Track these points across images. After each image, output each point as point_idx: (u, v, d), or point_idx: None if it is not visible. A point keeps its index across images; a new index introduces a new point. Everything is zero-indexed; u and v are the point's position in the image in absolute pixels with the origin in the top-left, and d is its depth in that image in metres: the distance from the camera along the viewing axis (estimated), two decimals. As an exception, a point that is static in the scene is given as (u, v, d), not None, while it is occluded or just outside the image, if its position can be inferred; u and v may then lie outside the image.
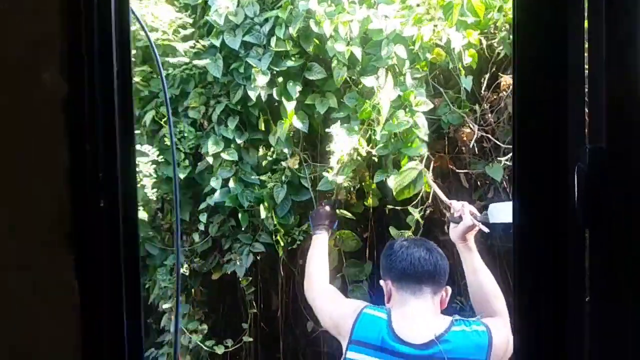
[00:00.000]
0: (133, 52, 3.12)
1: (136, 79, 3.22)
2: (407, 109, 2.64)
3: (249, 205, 3.04)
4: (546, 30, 1.02)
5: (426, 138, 2.68)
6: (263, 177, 3.00)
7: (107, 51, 1.08)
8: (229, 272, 3.09)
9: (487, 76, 2.94)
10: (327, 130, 2.78)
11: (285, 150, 2.97)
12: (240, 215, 3.08)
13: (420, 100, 2.65)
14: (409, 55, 2.66)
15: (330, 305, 2.48)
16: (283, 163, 2.99)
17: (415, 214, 2.82)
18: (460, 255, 2.42)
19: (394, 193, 2.73)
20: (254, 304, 3.18)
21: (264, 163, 3.05)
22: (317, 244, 2.73)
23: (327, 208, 2.82)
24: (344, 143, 2.60)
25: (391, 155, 2.73)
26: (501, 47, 2.90)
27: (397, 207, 2.79)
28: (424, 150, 2.72)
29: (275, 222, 2.96)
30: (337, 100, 2.83)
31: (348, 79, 2.79)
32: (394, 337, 2.18)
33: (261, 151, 3.08)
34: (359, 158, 2.69)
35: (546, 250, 1.02)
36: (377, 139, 2.66)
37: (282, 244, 2.99)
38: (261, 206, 2.98)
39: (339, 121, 2.76)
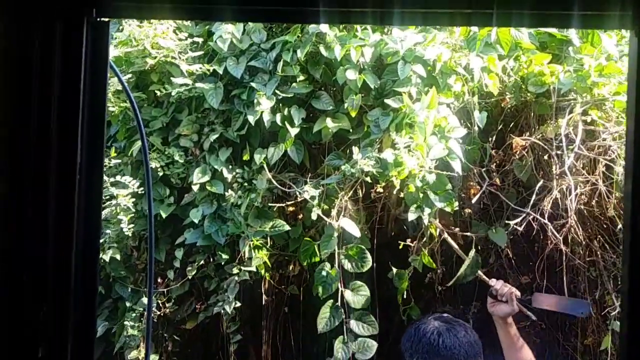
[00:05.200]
0: (128, 76, 3.02)
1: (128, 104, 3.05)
2: (440, 136, 2.46)
3: (227, 239, 2.79)
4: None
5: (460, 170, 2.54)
6: (228, 195, 2.73)
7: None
8: (212, 314, 2.76)
9: (494, 134, 2.83)
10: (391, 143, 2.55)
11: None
12: (218, 252, 2.83)
13: (453, 126, 2.48)
14: (429, 79, 2.52)
15: None
16: (255, 182, 2.75)
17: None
18: (499, 331, 2.37)
19: (453, 281, 2.65)
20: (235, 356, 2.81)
21: (234, 185, 2.79)
22: None
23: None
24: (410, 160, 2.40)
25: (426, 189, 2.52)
26: (508, 105, 2.82)
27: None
28: (455, 205, 2.58)
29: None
30: (351, 123, 2.69)
31: (363, 105, 2.64)
32: None
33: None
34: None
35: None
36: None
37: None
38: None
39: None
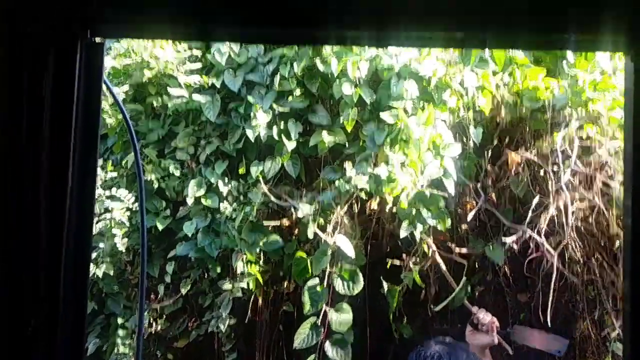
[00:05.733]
0: (125, 88, 3.01)
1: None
2: (435, 153, 2.45)
3: (220, 252, 2.78)
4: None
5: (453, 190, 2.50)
6: (223, 207, 2.72)
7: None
8: (206, 332, 2.73)
9: (490, 149, 2.83)
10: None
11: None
12: (210, 266, 2.82)
13: (448, 144, 2.47)
14: (424, 94, 2.51)
15: None
16: (250, 195, 2.73)
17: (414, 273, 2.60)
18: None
19: (436, 308, 2.65)
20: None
21: (229, 198, 2.77)
22: None
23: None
24: (403, 176, 2.38)
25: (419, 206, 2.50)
26: (503, 120, 2.82)
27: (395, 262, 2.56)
28: (448, 223, 2.56)
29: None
30: (347, 137, 2.68)
31: (358, 120, 2.63)
32: None
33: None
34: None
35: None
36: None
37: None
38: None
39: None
